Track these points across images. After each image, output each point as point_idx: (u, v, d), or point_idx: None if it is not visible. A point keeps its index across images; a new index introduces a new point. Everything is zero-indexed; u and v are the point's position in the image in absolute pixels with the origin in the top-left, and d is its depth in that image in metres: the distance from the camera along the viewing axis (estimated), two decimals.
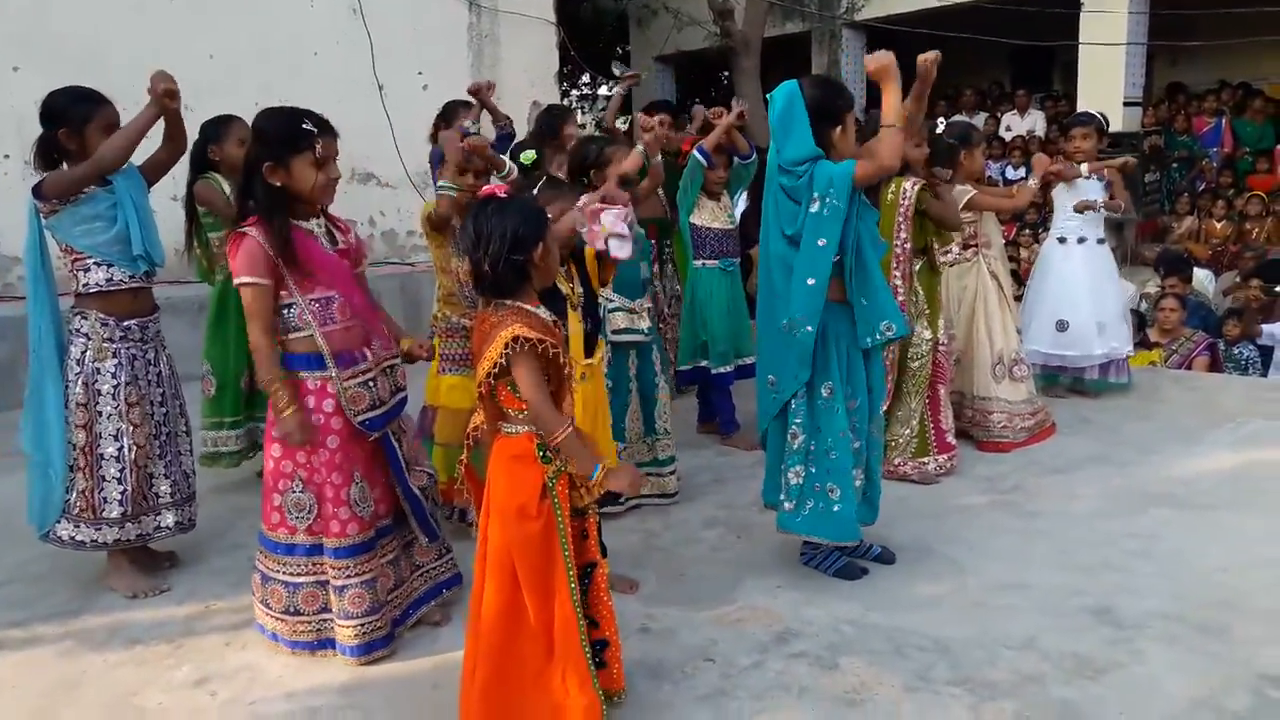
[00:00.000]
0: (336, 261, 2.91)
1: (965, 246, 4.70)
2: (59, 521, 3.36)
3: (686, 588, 3.40)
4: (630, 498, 4.01)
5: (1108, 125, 5.52)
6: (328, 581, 2.92)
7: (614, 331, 3.85)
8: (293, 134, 2.79)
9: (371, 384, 2.90)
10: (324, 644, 2.98)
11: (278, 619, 2.98)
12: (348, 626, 2.91)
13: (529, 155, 4.15)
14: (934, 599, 3.24)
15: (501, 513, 2.43)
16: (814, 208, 3.09)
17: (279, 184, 2.79)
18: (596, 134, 5.39)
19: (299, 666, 2.95)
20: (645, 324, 3.94)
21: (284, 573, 2.95)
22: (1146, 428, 4.99)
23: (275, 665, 2.96)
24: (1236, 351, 7.26)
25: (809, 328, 3.15)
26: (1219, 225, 10.63)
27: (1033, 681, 2.73)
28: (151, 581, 3.50)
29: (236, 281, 2.78)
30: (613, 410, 3.86)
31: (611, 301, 3.83)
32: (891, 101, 3.11)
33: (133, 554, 3.52)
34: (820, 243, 3.10)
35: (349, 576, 2.89)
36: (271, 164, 2.77)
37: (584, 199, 2.95)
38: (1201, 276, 9.13)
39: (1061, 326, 5.34)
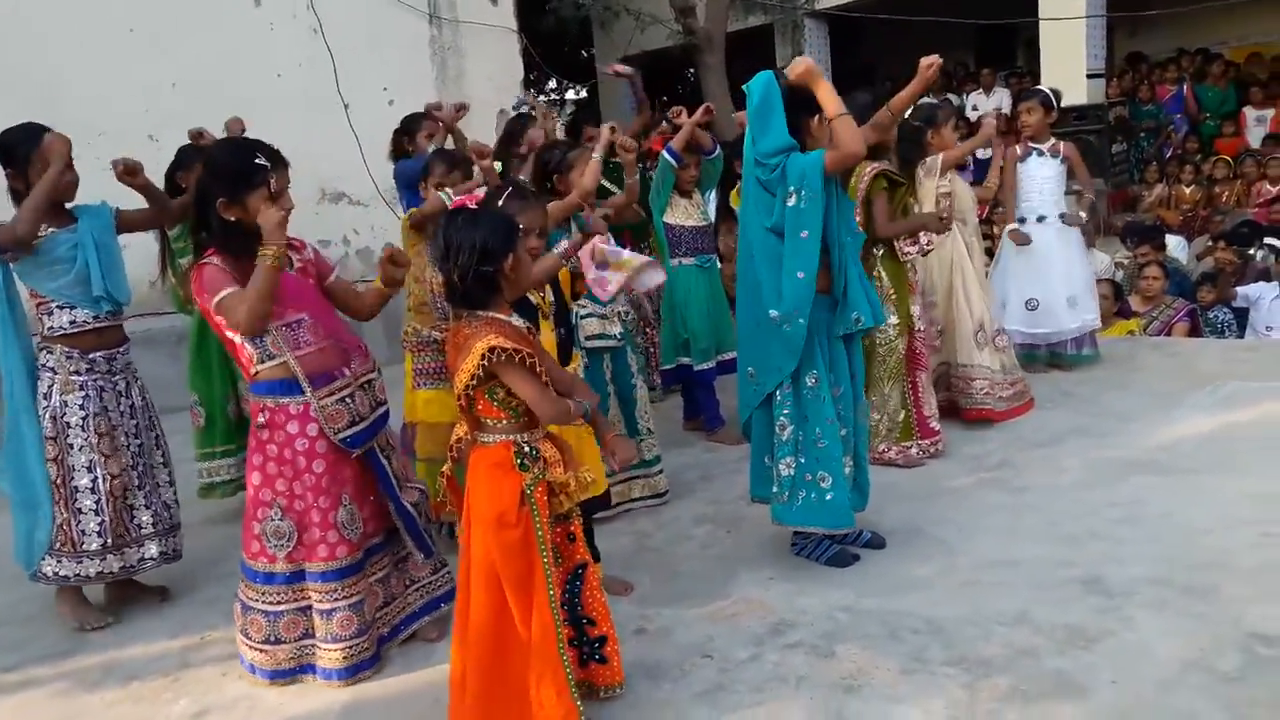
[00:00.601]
0: (300, 282, 2.90)
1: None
2: (44, 558, 3.36)
3: (680, 586, 3.41)
4: (622, 502, 4.03)
5: (1057, 99, 5.54)
6: (309, 607, 2.91)
7: (586, 338, 3.87)
8: (246, 169, 2.77)
9: (349, 400, 2.88)
10: (303, 670, 2.97)
11: (257, 649, 2.95)
12: (334, 649, 2.90)
13: (495, 165, 4.18)
14: (926, 580, 3.27)
15: (481, 521, 2.45)
16: (791, 201, 3.10)
17: (234, 219, 2.78)
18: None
19: (297, 692, 2.94)
20: (617, 329, 3.96)
21: (264, 602, 2.93)
22: (1126, 396, 5.04)
23: (273, 693, 2.95)
24: (1212, 315, 7.33)
25: (801, 320, 3.16)
26: (1188, 191, 10.72)
27: (1026, 655, 2.76)
28: (96, 614, 3.50)
29: (215, 300, 2.72)
30: None
31: (584, 308, 3.85)
32: (825, 95, 3.11)
33: (74, 589, 3.49)
34: (803, 235, 3.11)
35: (336, 600, 2.89)
36: (225, 200, 2.76)
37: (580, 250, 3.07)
38: (1174, 243, 9.20)
39: (1031, 305, 5.39)
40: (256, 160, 2.77)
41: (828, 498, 3.26)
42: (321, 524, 2.86)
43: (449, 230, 2.41)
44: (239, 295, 2.71)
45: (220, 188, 2.76)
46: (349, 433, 2.87)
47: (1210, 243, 8.91)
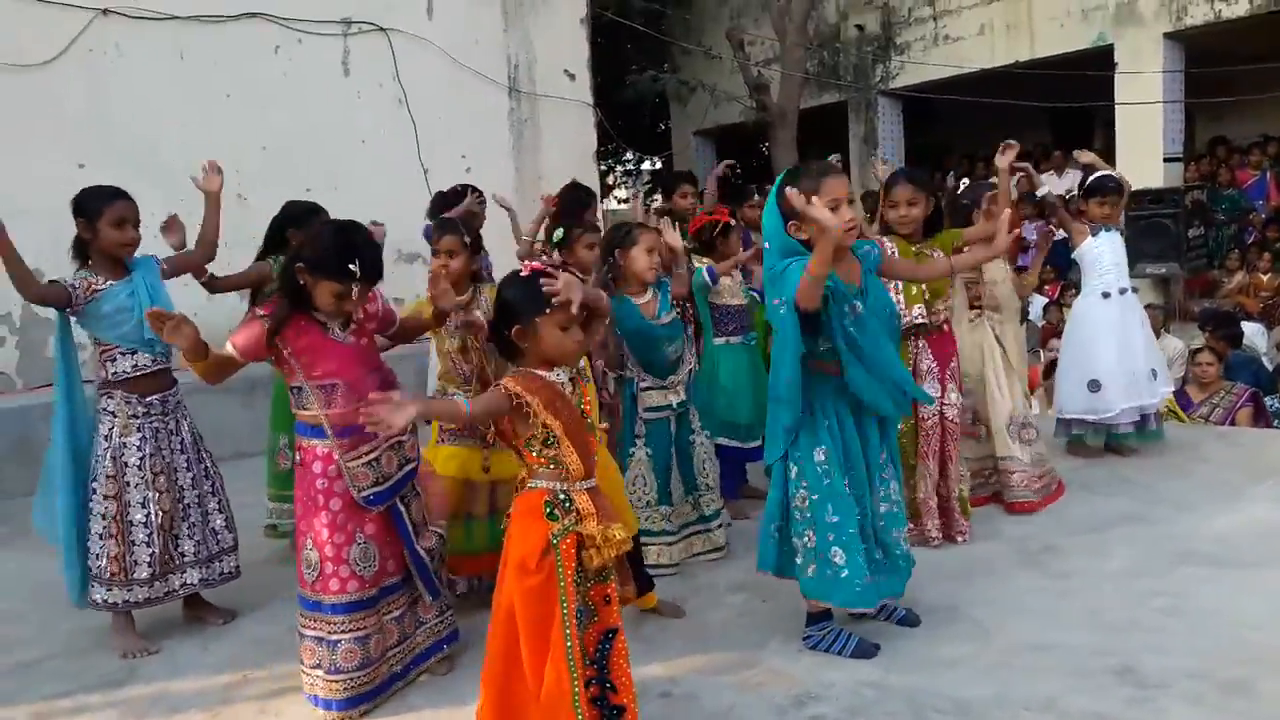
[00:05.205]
0: (342, 350, 3.08)
1: (970, 307, 4.74)
2: (92, 585, 3.63)
3: (710, 652, 3.41)
4: (678, 561, 4.11)
5: (1126, 187, 5.50)
6: (323, 638, 3.05)
7: (646, 409, 4.02)
8: (336, 265, 2.95)
9: (375, 463, 3.06)
10: (311, 699, 3.11)
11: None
12: (336, 681, 3.02)
13: (559, 234, 4.34)
14: (956, 661, 3.23)
15: (508, 565, 2.56)
16: (782, 311, 3.12)
17: (303, 284, 2.99)
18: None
19: None
20: (677, 398, 4.08)
21: (299, 624, 3.13)
22: (1185, 485, 4.91)
23: None
24: None
25: (788, 407, 3.20)
26: (1265, 278, 10.47)
27: None
28: (141, 643, 3.69)
29: (228, 348, 2.98)
30: (656, 477, 4.05)
31: (644, 380, 4.01)
32: (820, 256, 2.96)
33: (126, 616, 3.70)
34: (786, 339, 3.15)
35: (343, 632, 3.02)
36: (303, 268, 2.97)
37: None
38: (1252, 331, 8.98)
39: (1126, 379, 5.23)
40: (350, 266, 2.95)
41: (842, 575, 3.20)
42: (335, 559, 3.02)
43: (502, 286, 2.65)
44: (232, 363, 3.02)
45: (309, 260, 2.98)
46: (370, 492, 3.05)
47: None
